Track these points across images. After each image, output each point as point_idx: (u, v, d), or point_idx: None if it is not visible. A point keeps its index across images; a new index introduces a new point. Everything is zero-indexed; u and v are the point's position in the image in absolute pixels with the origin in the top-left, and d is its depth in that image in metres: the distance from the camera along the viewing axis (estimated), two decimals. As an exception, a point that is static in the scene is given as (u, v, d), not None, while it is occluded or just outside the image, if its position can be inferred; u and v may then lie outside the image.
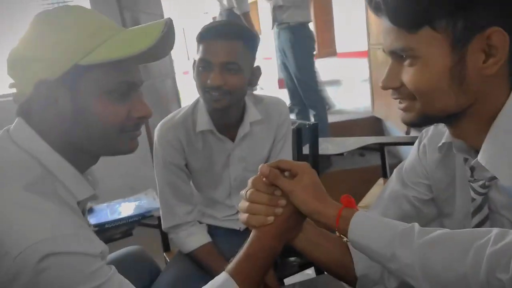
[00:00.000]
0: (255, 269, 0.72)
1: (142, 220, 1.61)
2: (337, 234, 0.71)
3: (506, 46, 0.59)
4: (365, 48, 3.51)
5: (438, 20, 0.60)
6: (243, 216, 0.75)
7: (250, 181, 0.76)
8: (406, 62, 0.64)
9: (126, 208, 1.65)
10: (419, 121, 0.69)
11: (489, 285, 0.54)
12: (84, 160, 0.72)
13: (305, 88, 3.17)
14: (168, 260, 1.51)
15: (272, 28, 3.20)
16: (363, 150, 2.61)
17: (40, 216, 0.59)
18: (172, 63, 2.83)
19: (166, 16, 2.86)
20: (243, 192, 0.77)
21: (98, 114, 0.67)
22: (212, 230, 1.36)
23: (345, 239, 0.71)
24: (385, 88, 0.68)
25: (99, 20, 0.69)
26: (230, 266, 0.72)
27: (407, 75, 0.64)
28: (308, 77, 3.17)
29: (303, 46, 3.10)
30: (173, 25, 0.68)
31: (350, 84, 5.62)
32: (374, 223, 0.68)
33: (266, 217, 0.72)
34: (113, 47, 0.66)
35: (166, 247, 1.71)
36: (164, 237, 1.71)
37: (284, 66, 3.26)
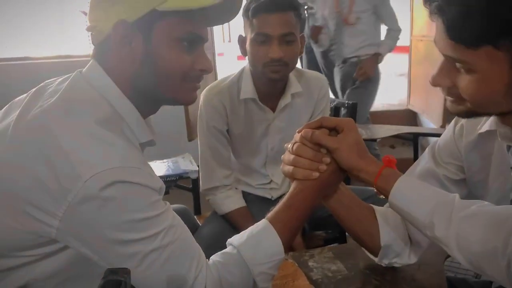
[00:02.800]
0: (293, 220, 0.75)
1: (178, 180, 1.68)
2: (375, 190, 0.75)
3: None
4: (406, 43, 3.44)
5: (502, 40, 0.59)
6: (287, 168, 0.78)
7: (297, 135, 0.79)
8: (462, 69, 0.64)
9: (164, 168, 1.72)
10: (466, 115, 0.70)
11: None
12: (147, 107, 0.77)
13: None
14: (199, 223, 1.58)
15: None
16: (395, 141, 2.60)
17: (110, 147, 0.63)
18: (213, 39, 2.87)
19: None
20: (288, 145, 0.80)
21: (166, 60, 0.71)
22: (246, 196, 1.42)
23: (382, 196, 0.74)
24: (434, 85, 0.68)
25: None
26: (270, 214, 0.76)
27: (463, 82, 0.64)
28: None
29: None
30: None
31: (387, 78, 5.53)
32: (417, 189, 0.71)
33: (311, 171, 0.76)
34: None
35: (197, 210, 1.79)
36: (196, 201, 1.79)
37: (308, 49, 3.18)
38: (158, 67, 0.71)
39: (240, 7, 0.77)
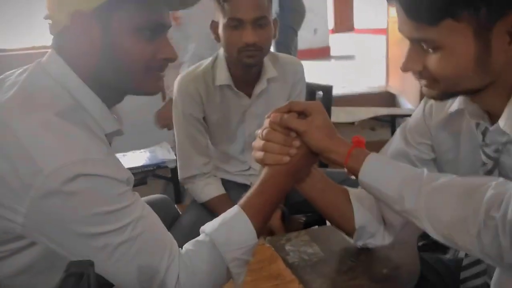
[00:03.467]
0: (266, 205, 0.75)
1: (156, 170, 1.67)
2: (346, 171, 0.76)
3: None
4: (384, 26, 3.46)
5: (459, 11, 0.60)
6: (258, 154, 0.78)
7: (266, 121, 0.79)
8: (429, 49, 0.65)
9: (141, 158, 1.71)
10: (441, 97, 0.71)
11: (484, 224, 0.58)
12: (111, 96, 0.75)
13: None
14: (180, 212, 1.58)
15: None
16: (375, 123, 2.62)
17: (72, 140, 0.62)
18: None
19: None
20: (259, 131, 0.80)
21: (127, 50, 0.69)
22: (225, 184, 1.41)
23: (352, 176, 0.75)
24: (405, 70, 0.69)
25: None
26: (242, 200, 0.76)
27: (431, 61, 0.65)
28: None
29: (283, 18, 3.03)
30: None
31: (365, 61, 5.58)
32: (385, 165, 0.72)
33: (281, 156, 0.76)
34: None
35: (178, 199, 1.79)
36: (177, 189, 1.78)
37: None
38: (119, 58, 0.69)
39: None
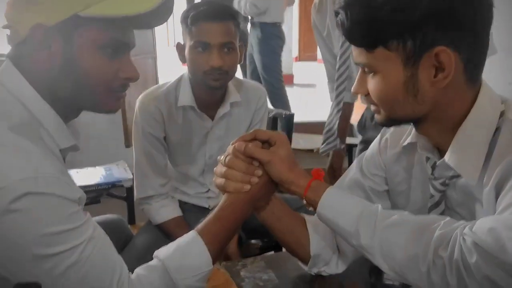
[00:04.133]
0: (223, 231, 0.75)
1: (111, 189, 1.61)
2: (305, 202, 0.77)
3: (452, 62, 0.64)
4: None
5: (390, 41, 0.65)
6: (219, 181, 0.79)
7: (230, 148, 0.80)
8: (370, 74, 0.71)
9: (96, 175, 1.65)
10: (387, 123, 0.75)
11: (434, 263, 0.61)
12: (67, 111, 0.73)
13: (268, 87, 3.24)
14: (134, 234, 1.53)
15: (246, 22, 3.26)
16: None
17: (24, 156, 0.60)
18: (154, 42, 2.82)
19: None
20: (221, 157, 0.81)
21: (88, 67, 0.68)
22: (182, 205, 1.39)
23: (310, 208, 0.77)
24: (355, 93, 0.75)
25: None
26: (199, 226, 0.75)
27: (370, 85, 0.71)
28: (272, 76, 3.26)
29: (270, 44, 3.18)
30: None
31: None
32: (343, 200, 0.75)
33: (242, 184, 0.77)
34: (115, 4, 0.67)
35: (132, 219, 1.73)
36: (131, 210, 1.73)
37: (250, 59, 3.32)
38: (79, 74, 0.68)
39: (170, 13, 0.75)
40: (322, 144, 1.76)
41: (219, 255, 0.75)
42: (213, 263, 0.72)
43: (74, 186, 0.66)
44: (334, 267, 0.89)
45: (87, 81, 0.69)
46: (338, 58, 1.58)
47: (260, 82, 3.24)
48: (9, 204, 0.56)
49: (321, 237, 0.88)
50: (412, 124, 0.76)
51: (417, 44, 0.65)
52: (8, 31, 0.70)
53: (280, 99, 3.34)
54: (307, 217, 0.91)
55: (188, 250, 0.71)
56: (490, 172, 0.66)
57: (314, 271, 0.89)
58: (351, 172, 0.91)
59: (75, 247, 0.61)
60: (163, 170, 1.35)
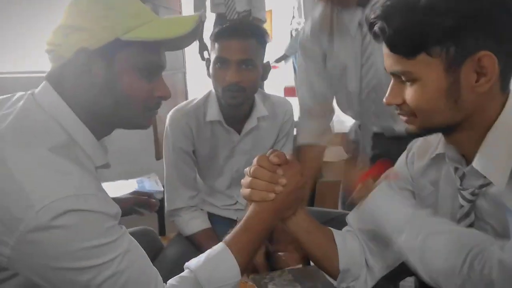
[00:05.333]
0: (251, 242, 0.77)
1: (143, 201, 1.66)
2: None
3: (495, 66, 0.65)
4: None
5: (432, 47, 0.65)
6: (246, 191, 0.81)
7: (255, 159, 0.82)
8: (407, 83, 0.70)
9: (128, 188, 1.70)
10: (420, 132, 0.75)
11: (469, 277, 0.62)
12: (101, 129, 0.77)
13: None
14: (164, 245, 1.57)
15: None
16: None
17: (65, 176, 0.64)
18: (184, 58, 2.89)
19: (184, 12, 2.95)
20: (247, 169, 0.83)
21: (126, 88, 0.72)
22: (211, 217, 1.42)
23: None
24: (388, 104, 0.74)
25: (141, 5, 0.76)
26: (228, 237, 0.77)
27: (408, 93, 0.70)
28: None
29: None
30: (202, 20, 0.76)
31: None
32: (395, 196, 0.78)
33: (267, 193, 0.79)
34: (153, 29, 0.73)
35: (162, 231, 1.77)
36: (161, 222, 1.77)
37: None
38: (118, 95, 0.72)
39: (197, 37, 0.80)
40: None
41: (247, 265, 0.76)
42: (242, 273, 0.74)
43: (110, 201, 0.69)
44: (363, 282, 0.88)
45: (125, 101, 0.73)
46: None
47: None
48: (50, 221, 0.60)
49: (350, 252, 0.88)
50: (442, 133, 0.76)
51: (460, 49, 0.65)
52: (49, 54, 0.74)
53: None
54: (335, 231, 0.91)
55: (217, 261, 0.73)
56: None
57: (343, 286, 0.89)
58: (381, 186, 0.91)
59: (112, 260, 0.64)
60: (192, 183, 1.38)
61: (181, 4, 2.89)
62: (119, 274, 0.64)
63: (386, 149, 1.29)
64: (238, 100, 1.23)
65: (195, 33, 0.77)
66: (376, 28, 0.69)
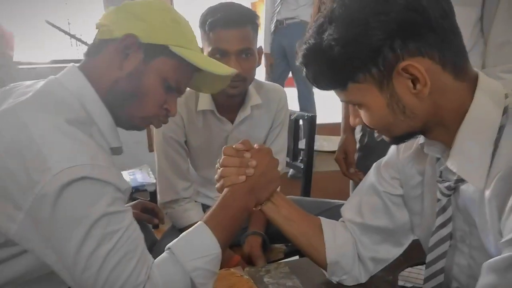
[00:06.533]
0: (227, 218, 0.77)
1: (135, 193, 1.63)
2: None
3: (422, 71, 0.61)
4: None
5: (355, 76, 0.65)
6: (218, 184, 0.81)
7: (222, 151, 0.83)
8: (357, 107, 0.71)
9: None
10: (396, 141, 0.73)
11: None
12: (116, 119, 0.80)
13: (302, 89, 3.17)
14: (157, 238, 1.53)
15: (272, 22, 3.16)
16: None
17: (82, 145, 0.66)
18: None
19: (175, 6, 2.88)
20: (217, 164, 0.83)
21: (147, 86, 0.77)
22: (205, 209, 1.38)
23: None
24: (354, 125, 0.75)
25: (196, 39, 0.86)
26: (204, 216, 0.77)
27: (362, 116, 0.71)
28: None
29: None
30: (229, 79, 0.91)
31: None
32: None
33: (237, 176, 0.80)
34: (197, 56, 0.81)
35: (155, 224, 1.73)
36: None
37: (284, 64, 3.23)
38: (137, 89, 0.77)
39: (225, 85, 0.91)
40: None
41: (226, 241, 0.76)
42: (222, 248, 0.73)
43: (122, 178, 0.71)
44: (357, 276, 0.85)
45: (138, 98, 0.78)
46: None
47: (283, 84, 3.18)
48: (65, 186, 0.61)
49: (339, 243, 0.84)
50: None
51: (381, 68, 0.63)
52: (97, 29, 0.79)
53: (312, 103, 3.23)
54: (325, 221, 0.87)
55: (193, 235, 0.73)
56: (492, 176, 0.62)
57: (335, 279, 0.86)
58: (369, 178, 0.88)
59: (116, 230, 0.65)
60: (185, 174, 1.34)
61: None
62: (116, 249, 0.64)
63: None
64: (239, 90, 1.21)
65: (226, 81, 0.87)
66: (303, 73, 0.71)
